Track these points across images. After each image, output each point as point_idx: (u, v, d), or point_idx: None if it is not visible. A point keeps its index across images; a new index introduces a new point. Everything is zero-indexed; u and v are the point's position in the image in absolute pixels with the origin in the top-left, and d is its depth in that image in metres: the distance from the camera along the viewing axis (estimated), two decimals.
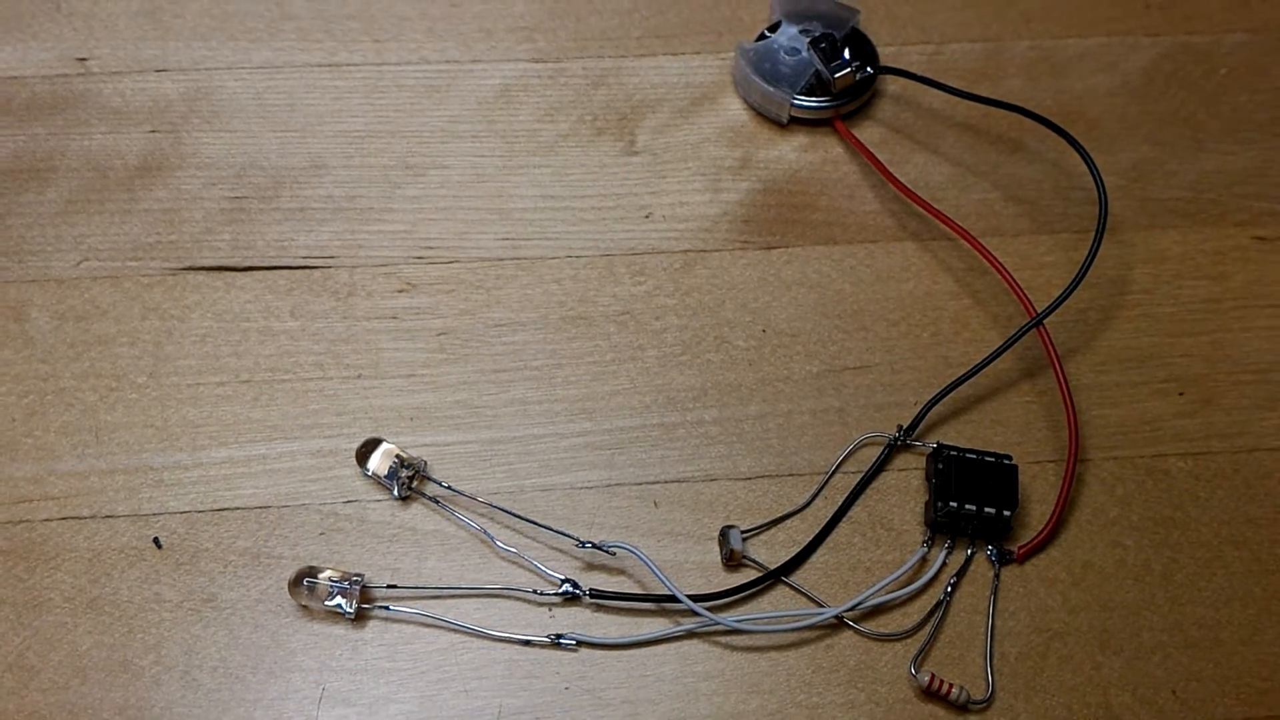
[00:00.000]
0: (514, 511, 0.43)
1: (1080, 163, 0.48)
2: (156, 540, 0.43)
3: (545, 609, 0.42)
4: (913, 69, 0.52)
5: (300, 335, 0.47)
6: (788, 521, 0.44)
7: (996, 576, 0.43)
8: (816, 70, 0.51)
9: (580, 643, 0.41)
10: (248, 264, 0.48)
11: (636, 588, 0.42)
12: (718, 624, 0.41)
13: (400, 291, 0.48)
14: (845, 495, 0.44)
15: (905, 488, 0.44)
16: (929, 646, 0.42)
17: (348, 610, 0.41)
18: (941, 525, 0.43)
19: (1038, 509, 0.44)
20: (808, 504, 0.44)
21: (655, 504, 0.44)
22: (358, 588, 0.41)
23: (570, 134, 0.52)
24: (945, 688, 0.40)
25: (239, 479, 0.44)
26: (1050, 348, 0.45)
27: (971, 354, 0.46)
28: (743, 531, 0.43)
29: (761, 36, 0.53)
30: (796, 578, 0.43)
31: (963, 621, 0.42)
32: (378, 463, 0.44)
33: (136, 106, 0.52)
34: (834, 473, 0.44)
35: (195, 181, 0.50)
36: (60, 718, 0.40)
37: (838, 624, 0.42)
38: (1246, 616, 0.42)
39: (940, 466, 0.43)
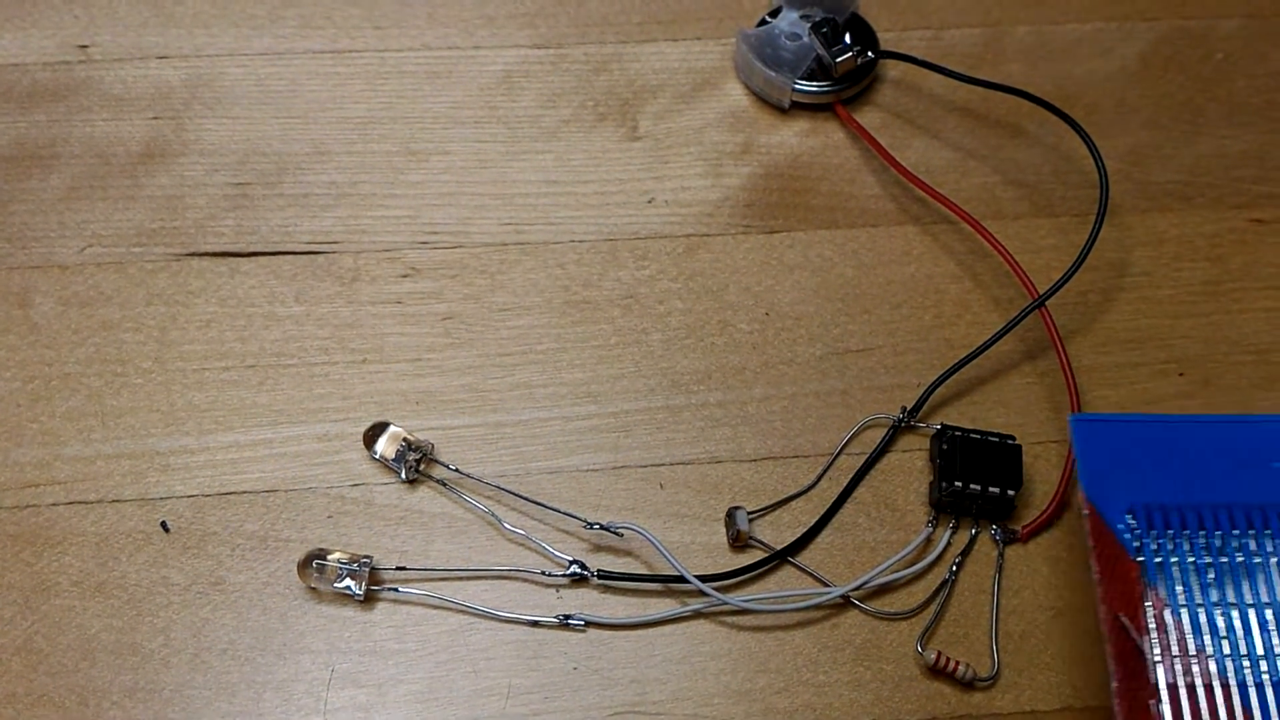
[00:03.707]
0: (521, 494, 0.43)
1: (1079, 146, 0.48)
2: (164, 524, 0.43)
3: (553, 590, 0.42)
4: (913, 54, 0.52)
5: (305, 320, 0.47)
6: (793, 502, 0.44)
7: (1001, 555, 0.43)
8: (818, 55, 0.51)
9: (588, 623, 0.41)
10: (252, 250, 0.48)
11: (643, 569, 0.43)
12: (725, 604, 0.41)
13: (404, 276, 0.48)
14: (850, 476, 0.44)
15: (909, 468, 0.45)
16: (935, 625, 0.42)
17: (357, 592, 0.41)
18: (946, 505, 0.43)
19: (1041, 488, 0.44)
20: (813, 485, 0.44)
21: (661, 486, 0.44)
22: (366, 570, 0.41)
23: (572, 119, 0.52)
24: (951, 665, 0.40)
25: (246, 463, 0.44)
26: (1052, 329, 0.45)
27: (973, 336, 0.47)
28: (749, 512, 0.43)
29: (762, 22, 0.53)
30: (802, 558, 0.43)
31: (967, 600, 0.42)
32: (385, 446, 0.44)
33: (138, 93, 0.52)
34: (839, 454, 0.45)
35: (198, 168, 0.50)
36: (69, 701, 0.40)
37: (844, 603, 0.42)
38: None
39: (944, 447, 0.43)
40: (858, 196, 0.50)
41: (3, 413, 0.45)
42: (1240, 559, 0.40)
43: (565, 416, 0.45)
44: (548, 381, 0.46)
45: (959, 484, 0.42)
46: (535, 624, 0.41)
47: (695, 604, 0.42)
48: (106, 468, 0.44)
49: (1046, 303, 0.45)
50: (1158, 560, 0.40)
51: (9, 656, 0.41)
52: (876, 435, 0.45)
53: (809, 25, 0.52)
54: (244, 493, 0.44)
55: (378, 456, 0.44)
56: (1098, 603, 0.39)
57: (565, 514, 0.43)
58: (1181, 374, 0.47)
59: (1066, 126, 0.49)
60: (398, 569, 0.42)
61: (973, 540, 0.43)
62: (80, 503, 0.43)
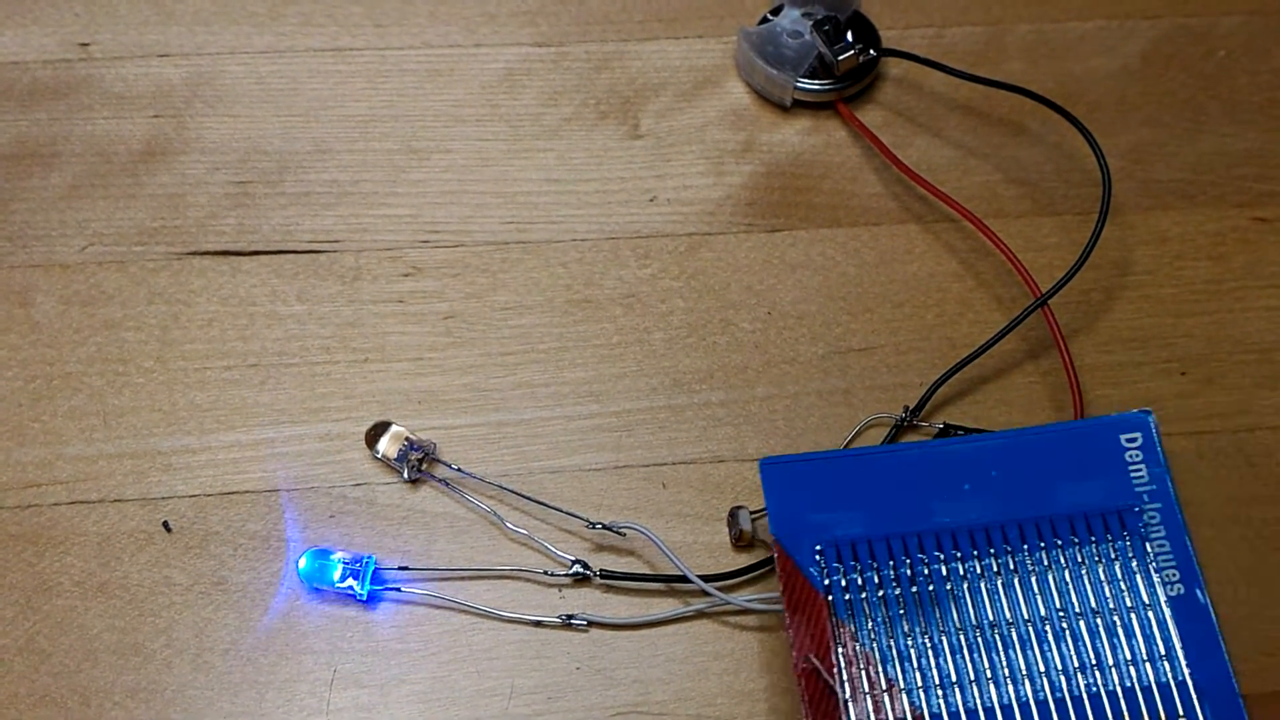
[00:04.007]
0: (523, 493, 0.43)
1: (1082, 145, 0.48)
2: (166, 524, 0.43)
3: (555, 590, 0.42)
4: (915, 52, 0.52)
5: (307, 319, 0.47)
6: None
7: None
8: (819, 53, 0.51)
9: (591, 623, 0.41)
10: (253, 249, 0.48)
11: (646, 568, 0.43)
12: (728, 604, 0.41)
13: (406, 275, 0.48)
14: None
15: None
16: None
17: (359, 592, 0.41)
18: None
19: None
20: None
21: (664, 485, 0.44)
22: (369, 570, 0.41)
23: (574, 118, 0.52)
24: None
25: (248, 463, 0.44)
26: (1055, 328, 0.45)
27: (976, 335, 0.47)
28: (752, 512, 0.43)
29: (764, 20, 0.53)
30: None
31: None
32: (387, 445, 0.44)
33: (139, 91, 0.52)
34: None
35: (199, 166, 0.50)
36: (72, 701, 0.40)
37: None
38: (1250, 594, 0.42)
39: None
40: (860, 195, 0.50)
41: (4, 412, 0.45)
42: (931, 587, 0.40)
43: (567, 416, 0.45)
44: (550, 381, 0.46)
45: None
46: (538, 624, 0.41)
47: (698, 604, 0.42)
48: (108, 467, 0.44)
49: (1049, 301, 0.45)
50: (847, 597, 0.39)
51: (11, 656, 0.41)
52: (879, 434, 0.45)
53: (811, 23, 0.52)
54: (246, 492, 0.44)
55: (380, 456, 0.44)
56: (790, 649, 0.39)
57: (568, 514, 0.43)
58: (1184, 373, 0.47)
59: (1068, 125, 0.49)
60: (400, 569, 0.42)
61: None
62: (82, 502, 0.43)
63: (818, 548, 0.40)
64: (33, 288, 0.47)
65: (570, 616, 0.41)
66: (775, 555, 0.40)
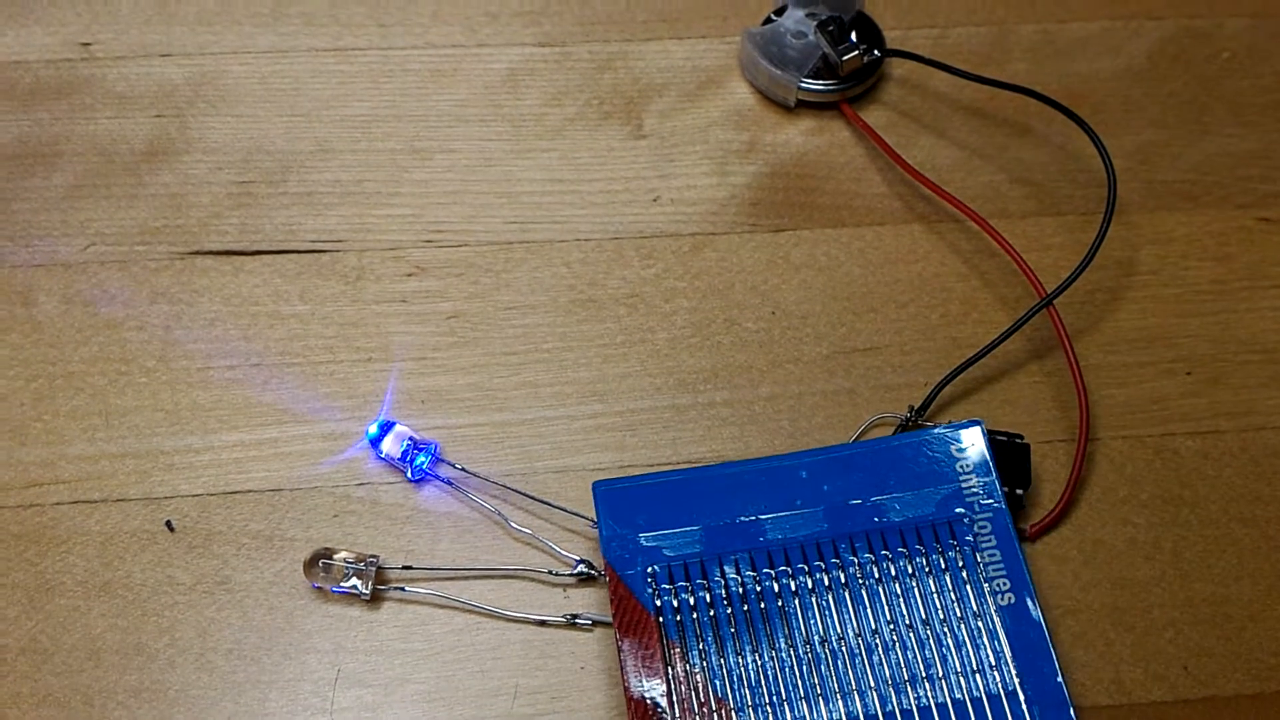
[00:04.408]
0: (527, 493, 0.43)
1: (1087, 145, 0.48)
2: (169, 523, 0.43)
3: (560, 589, 0.42)
4: (919, 52, 0.52)
5: (310, 319, 0.47)
6: None
7: None
8: (823, 53, 0.51)
9: (596, 622, 0.41)
10: (256, 248, 0.48)
11: None
12: None
13: (409, 275, 0.48)
14: None
15: None
16: None
17: (363, 591, 0.41)
18: None
19: (1048, 488, 0.44)
20: None
21: None
22: (373, 569, 0.41)
23: (577, 118, 0.52)
24: None
25: (250, 462, 0.44)
26: (1060, 328, 0.45)
27: (980, 335, 0.47)
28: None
29: (768, 20, 0.53)
30: None
31: None
32: (390, 445, 0.43)
33: (141, 91, 0.52)
34: None
35: (202, 166, 0.50)
36: (75, 701, 0.40)
37: None
38: (1256, 593, 0.42)
39: None
40: (864, 195, 0.50)
41: (7, 412, 0.45)
42: (762, 604, 0.40)
43: (571, 415, 0.45)
44: (553, 380, 0.46)
45: None
46: (542, 623, 0.41)
47: None
48: (111, 467, 0.44)
49: (1054, 301, 0.45)
50: (678, 618, 0.39)
51: (14, 656, 0.41)
52: (884, 434, 0.45)
53: (815, 23, 0.52)
54: (249, 492, 0.43)
55: (383, 455, 0.44)
56: (621, 672, 0.39)
57: (572, 513, 0.43)
58: (1189, 373, 0.47)
59: (1073, 125, 0.48)
60: (404, 568, 0.42)
61: None
62: (85, 502, 0.43)
63: (650, 569, 0.40)
64: (35, 287, 0.47)
65: (575, 616, 0.41)
66: (607, 579, 0.40)
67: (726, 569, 0.40)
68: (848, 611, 0.40)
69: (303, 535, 0.43)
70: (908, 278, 0.48)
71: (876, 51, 0.52)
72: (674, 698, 0.38)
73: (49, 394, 0.45)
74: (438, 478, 0.43)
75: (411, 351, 0.46)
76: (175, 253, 0.48)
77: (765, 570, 0.40)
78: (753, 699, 0.38)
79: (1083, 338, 0.47)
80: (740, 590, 0.40)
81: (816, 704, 0.38)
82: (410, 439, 0.44)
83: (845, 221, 0.50)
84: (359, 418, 0.45)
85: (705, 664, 0.39)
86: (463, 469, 0.44)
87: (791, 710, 0.38)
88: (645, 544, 0.41)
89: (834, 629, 0.39)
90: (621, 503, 0.41)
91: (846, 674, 0.39)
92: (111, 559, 0.42)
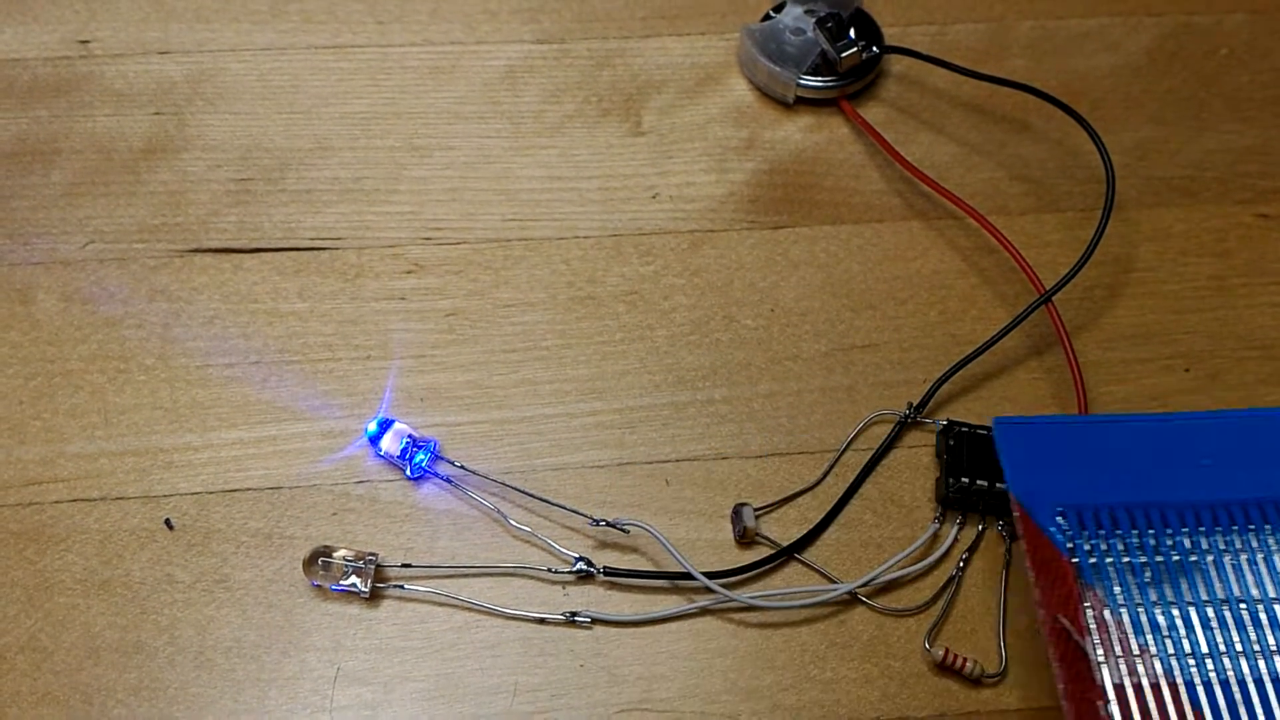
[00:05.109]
0: (526, 490, 0.43)
1: (1085, 141, 0.48)
2: (168, 521, 0.43)
3: (559, 587, 0.42)
4: (918, 49, 0.52)
5: (309, 317, 0.47)
6: (799, 499, 0.44)
7: (1008, 551, 0.43)
8: (822, 50, 0.51)
9: (595, 620, 0.41)
10: (254, 246, 0.48)
11: (649, 565, 0.42)
12: (732, 601, 0.41)
13: (408, 273, 0.48)
14: (856, 473, 0.44)
15: (916, 465, 0.45)
16: (941, 621, 0.42)
17: (362, 589, 0.41)
18: (953, 501, 0.43)
19: None
20: (819, 481, 0.44)
21: (667, 482, 0.44)
22: (372, 567, 0.41)
23: (576, 115, 0.52)
24: (959, 661, 0.40)
25: (250, 460, 0.44)
26: (1059, 324, 0.45)
27: (979, 332, 0.47)
28: (755, 509, 0.43)
29: (766, 17, 0.53)
30: (809, 554, 0.43)
31: (974, 596, 0.42)
32: (389, 443, 0.44)
33: (140, 89, 0.52)
34: (845, 450, 0.45)
35: (200, 164, 0.50)
36: (74, 699, 0.40)
37: (851, 600, 0.42)
38: None
39: (951, 443, 0.43)
40: (862, 192, 0.50)
41: (5, 410, 0.45)
42: (1176, 557, 0.40)
43: (570, 413, 0.45)
44: (552, 378, 0.46)
45: (966, 480, 0.42)
46: (541, 621, 0.41)
47: (702, 601, 0.42)
48: (110, 465, 0.44)
49: (1053, 298, 0.45)
50: (1092, 561, 0.39)
51: (13, 655, 0.41)
52: (883, 431, 0.45)
53: (813, 20, 0.52)
54: (248, 490, 0.43)
55: (382, 453, 0.44)
56: (1035, 605, 0.39)
57: (571, 510, 0.43)
58: (1188, 369, 0.47)
59: (1072, 121, 0.49)
60: (403, 566, 0.42)
61: (980, 536, 0.43)
62: (83, 500, 0.43)
63: (1059, 511, 0.40)
64: (34, 285, 0.47)
65: (574, 614, 0.41)
66: (1016, 514, 0.40)
67: (1137, 520, 0.40)
68: (1261, 575, 0.40)
69: (302, 533, 0.43)
70: (906, 274, 0.48)
71: (875, 48, 0.52)
72: (1095, 640, 0.38)
73: (48, 392, 0.45)
74: (437, 475, 0.43)
75: (410, 349, 0.46)
76: (174, 250, 0.48)
77: (1179, 526, 0.40)
78: (1175, 650, 0.38)
79: (1081, 334, 0.47)
80: (1152, 542, 0.40)
81: (1238, 661, 0.38)
82: (409, 437, 0.44)
83: (844, 218, 0.50)
84: (358, 415, 0.45)
85: (1127, 611, 0.39)
86: (462, 466, 0.44)
87: (1217, 669, 0.38)
88: (1053, 486, 0.41)
89: (1249, 591, 0.39)
90: (1025, 442, 0.41)
91: (1265, 636, 0.38)
92: (110, 557, 0.42)
